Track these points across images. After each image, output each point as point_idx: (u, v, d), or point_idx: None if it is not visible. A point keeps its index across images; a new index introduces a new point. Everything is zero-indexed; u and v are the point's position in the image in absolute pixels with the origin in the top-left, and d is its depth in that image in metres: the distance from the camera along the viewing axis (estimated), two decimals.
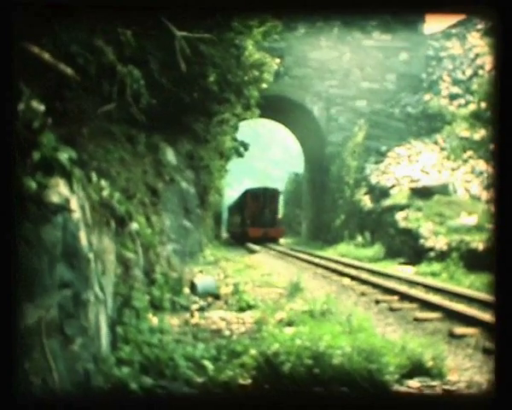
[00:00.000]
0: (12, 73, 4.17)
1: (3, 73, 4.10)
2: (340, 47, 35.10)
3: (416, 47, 35.65)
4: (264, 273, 15.83)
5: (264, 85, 16.09)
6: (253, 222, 39.46)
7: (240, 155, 26.11)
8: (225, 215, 58.02)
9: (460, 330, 8.65)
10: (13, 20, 4.15)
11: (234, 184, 46.89)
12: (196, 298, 10.40)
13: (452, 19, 35.88)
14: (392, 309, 10.56)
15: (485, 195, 22.74)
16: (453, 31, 37.62)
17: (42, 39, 6.57)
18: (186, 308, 9.50)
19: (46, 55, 6.23)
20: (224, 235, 52.30)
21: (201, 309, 9.65)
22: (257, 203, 40.29)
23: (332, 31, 34.92)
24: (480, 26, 35.42)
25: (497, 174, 4.12)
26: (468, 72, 32.19)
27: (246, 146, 25.99)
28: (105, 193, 7.00)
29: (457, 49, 35.16)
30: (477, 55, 32.68)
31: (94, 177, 6.86)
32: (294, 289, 11.66)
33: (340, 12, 5.03)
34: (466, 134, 26.12)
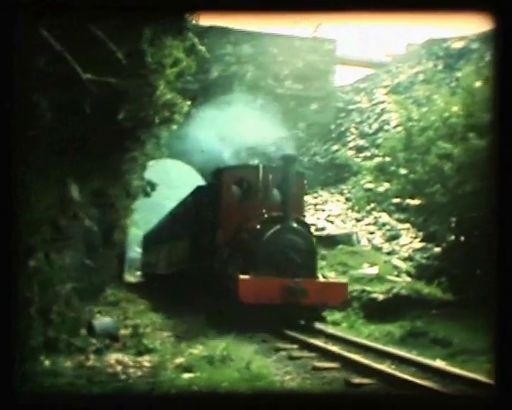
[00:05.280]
0: (13, 74, 4.08)
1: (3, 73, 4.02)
2: (252, 92, 35.60)
3: (327, 98, 36.59)
4: (165, 316, 15.61)
5: (175, 126, 16.08)
6: (248, 262, 14.14)
7: (147, 194, 25.71)
8: (133, 253, 54.64)
9: (357, 380, 8.76)
10: (13, 20, 4.09)
11: (140, 223, 45.71)
12: (93, 340, 10.13)
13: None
14: (291, 358, 10.57)
15: (386, 246, 23.37)
16: (361, 85, 38.95)
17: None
18: (82, 350, 9.22)
19: None
20: (131, 278, 42.57)
21: (98, 351, 9.40)
22: (256, 204, 15.61)
23: (245, 76, 35.45)
24: (386, 83, 36.85)
25: (497, 173, 4.17)
26: (375, 126, 33.29)
27: (153, 186, 25.62)
28: None
29: (365, 104, 36.36)
30: (383, 111, 33.89)
31: None
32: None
33: (341, 9, 5.02)
34: (370, 186, 26.88)
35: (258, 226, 14.28)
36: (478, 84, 16.18)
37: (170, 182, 72.43)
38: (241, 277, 13.08)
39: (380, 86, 37.01)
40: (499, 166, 4.18)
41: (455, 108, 16.49)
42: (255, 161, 23.24)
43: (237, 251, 14.91)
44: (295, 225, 14.35)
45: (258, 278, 13.29)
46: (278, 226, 14.03)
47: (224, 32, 33.80)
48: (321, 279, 14.84)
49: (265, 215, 14.69)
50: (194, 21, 12.56)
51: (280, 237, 13.95)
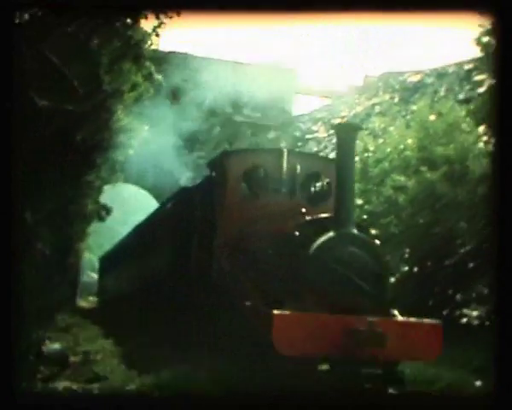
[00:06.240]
0: (12, 74, 4.08)
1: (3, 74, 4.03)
2: (210, 120, 35.67)
3: (284, 127, 36.85)
4: (117, 342, 15.40)
5: (131, 151, 16.02)
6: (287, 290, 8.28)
7: (101, 218, 25.24)
8: (86, 278, 53.40)
9: None
10: (14, 20, 4.11)
11: (93, 247, 45.11)
12: (42, 367, 9.93)
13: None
14: None
15: None
16: (319, 115, 39.33)
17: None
18: (30, 378, 9.02)
19: None
20: (84, 304, 40.21)
21: (46, 379, 9.21)
22: (280, 201, 10.57)
23: (204, 103, 35.49)
24: (343, 114, 37.31)
25: (497, 175, 4.20)
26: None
27: (108, 210, 25.16)
28: None
29: (322, 133, 36.69)
30: None
31: None
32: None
33: (343, 9, 5.04)
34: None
35: (297, 233, 8.80)
36: (431, 117, 16.54)
37: (124, 207, 71.93)
38: (275, 312, 7.41)
39: (337, 116, 37.41)
40: (499, 168, 4.25)
41: (409, 141, 16.83)
42: None
43: (243, 264, 9.83)
44: (356, 231, 8.58)
45: (306, 314, 7.65)
46: (332, 234, 8.40)
47: (184, 58, 33.93)
48: (400, 318, 8.59)
49: (305, 217, 9.22)
50: (153, 47, 12.59)
51: (336, 250, 8.30)
